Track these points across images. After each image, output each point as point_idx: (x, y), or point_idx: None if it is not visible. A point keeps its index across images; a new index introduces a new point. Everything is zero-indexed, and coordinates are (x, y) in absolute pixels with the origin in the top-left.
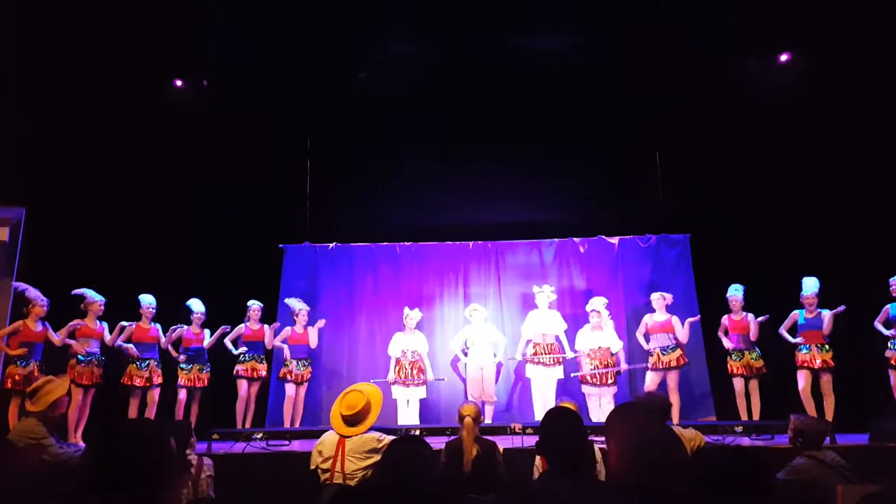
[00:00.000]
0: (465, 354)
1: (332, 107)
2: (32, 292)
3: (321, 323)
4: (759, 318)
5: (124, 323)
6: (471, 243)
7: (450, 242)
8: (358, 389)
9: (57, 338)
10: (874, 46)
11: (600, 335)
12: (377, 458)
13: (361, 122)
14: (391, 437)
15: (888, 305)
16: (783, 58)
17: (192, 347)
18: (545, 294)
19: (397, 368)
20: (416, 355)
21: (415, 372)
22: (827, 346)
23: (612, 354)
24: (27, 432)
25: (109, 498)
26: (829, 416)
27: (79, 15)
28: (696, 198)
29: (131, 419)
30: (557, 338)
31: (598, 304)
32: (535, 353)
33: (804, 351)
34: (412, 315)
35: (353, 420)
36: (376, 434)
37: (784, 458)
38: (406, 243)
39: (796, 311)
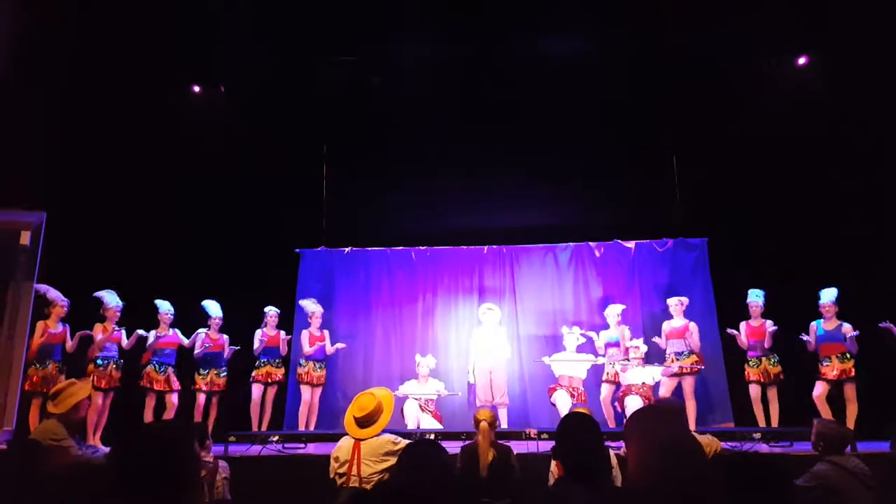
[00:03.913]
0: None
1: (347, 112)
2: (53, 293)
3: (340, 345)
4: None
5: (141, 332)
6: (485, 248)
7: (465, 247)
8: (370, 392)
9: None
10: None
11: (642, 372)
12: (393, 460)
13: (377, 127)
14: (407, 441)
15: None
16: (801, 60)
17: (209, 352)
18: (574, 336)
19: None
20: (431, 404)
21: (430, 416)
22: (848, 356)
23: (652, 387)
24: (48, 433)
25: (134, 500)
26: (851, 423)
27: (97, 21)
28: (714, 202)
29: (155, 422)
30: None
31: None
32: (560, 385)
33: (826, 363)
34: (424, 363)
35: (365, 421)
36: (391, 437)
37: (803, 465)
38: (421, 248)
39: (814, 324)
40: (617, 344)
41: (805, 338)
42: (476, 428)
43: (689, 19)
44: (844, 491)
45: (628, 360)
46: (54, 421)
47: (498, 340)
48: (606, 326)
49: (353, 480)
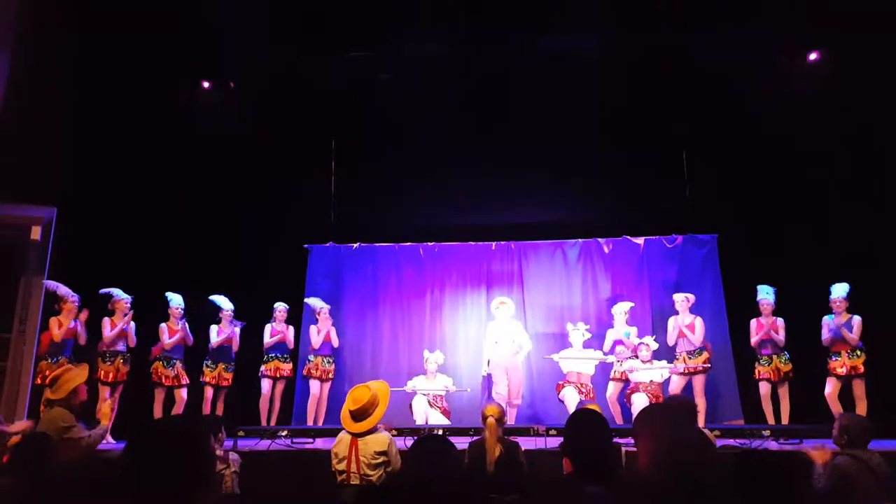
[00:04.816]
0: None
1: (356, 107)
2: (63, 289)
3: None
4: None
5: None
6: (493, 244)
7: (472, 243)
8: (365, 385)
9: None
10: None
11: (652, 370)
12: (383, 458)
13: (386, 123)
14: (399, 450)
15: None
16: (812, 56)
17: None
18: (580, 332)
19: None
20: (440, 400)
21: (438, 412)
22: (858, 352)
23: (662, 385)
24: (57, 420)
25: (149, 495)
26: None
27: (108, 17)
28: (724, 198)
29: (168, 416)
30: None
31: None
32: (568, 381)
33: (835, 358)
34: (432, 358)
35: (359, 414)
36: (388, 437)
37: (813, 462)
38: (429, 244)
39: (826, 318)
40: (619, 341)
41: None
42: (483, 423)
43: (699, 17)
44: (863, 486)
45: (637, 356)
46: (59, 408)
47: (512, 335)
48: (613, 324)
49: (354, 478)
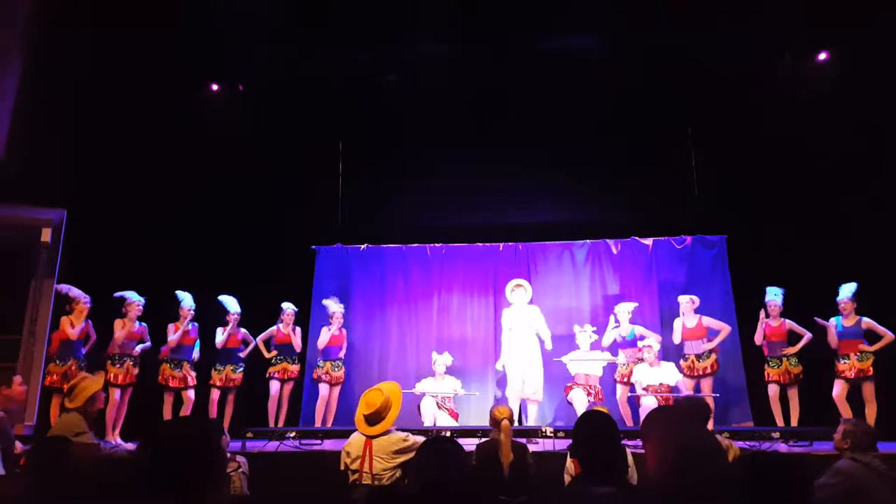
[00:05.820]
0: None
1: (363, 109)
2: (75, 291)
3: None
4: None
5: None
6: (501, 245)
7: (480, 244)
8: (377, 388)
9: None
10: None
11: (659, 371)
12: (403, 458)
13: (393, 124)
14: (419, 438)
15: None
16: (822, 56)
17: (228, 347)
18: (587, 334)
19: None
20: (448, 401)
21: (446, 413)
22: (867, 355)
23: (671, 387)
24: (70, 426)
25: (161, 496)
26: (870, 423)
27: (117, 19)
28: (733, 199)
29: (177, 418)
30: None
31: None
32: (576, 383)
33: (843, 360)
34: (440, 360)
35: (373, 418)
36: (402, 434)
37: (822, 464)
38: (436, 245)
39: (833, 320)
40: (625, 344)
41: (821, 322)
42: (495, 426)
43: (709, 15)
44: (870, 489)
45: (643, 360)
46: (75, 414)
47: (528, 321)
48: (618, 324)
49: (366, 477)
